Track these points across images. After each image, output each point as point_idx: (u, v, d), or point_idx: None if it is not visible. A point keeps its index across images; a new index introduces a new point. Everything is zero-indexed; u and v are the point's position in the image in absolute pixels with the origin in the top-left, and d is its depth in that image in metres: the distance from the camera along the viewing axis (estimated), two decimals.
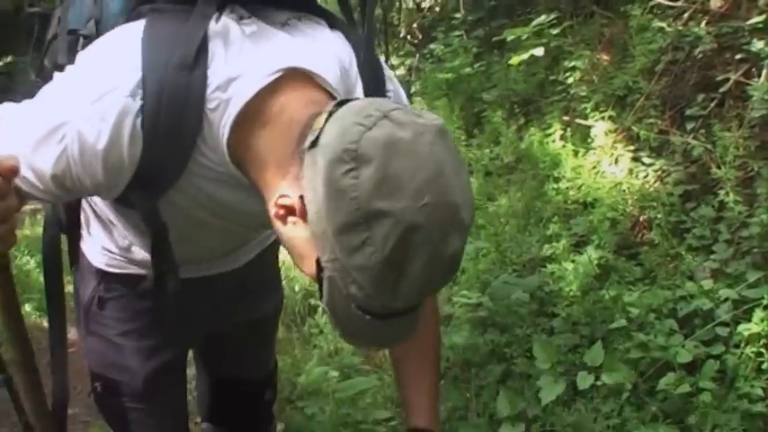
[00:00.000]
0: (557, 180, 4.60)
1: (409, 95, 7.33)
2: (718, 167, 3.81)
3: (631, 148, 4.44)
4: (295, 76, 1.65)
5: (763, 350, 3.08)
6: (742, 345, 3.12)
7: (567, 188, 4.50)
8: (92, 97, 1.60)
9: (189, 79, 1.63)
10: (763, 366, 3.05)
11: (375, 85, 1.87)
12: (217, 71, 1.65)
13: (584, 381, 3.25)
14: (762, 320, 3.09)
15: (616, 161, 4.48)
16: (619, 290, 3.60)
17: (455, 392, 3.66)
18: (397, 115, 1.45)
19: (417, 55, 7.69)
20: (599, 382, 3.21)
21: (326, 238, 1.43)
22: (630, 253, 4.03)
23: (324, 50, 1.78)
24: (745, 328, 3.12)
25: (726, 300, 3.30)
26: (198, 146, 1.67)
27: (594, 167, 4.56)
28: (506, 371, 3.52)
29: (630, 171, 4.34)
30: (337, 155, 1.41)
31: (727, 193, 3.71)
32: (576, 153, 4.71)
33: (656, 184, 4.16)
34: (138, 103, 1.61)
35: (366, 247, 1.40)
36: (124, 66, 1.63)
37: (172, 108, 1.63)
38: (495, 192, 5.04)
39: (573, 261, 3.95)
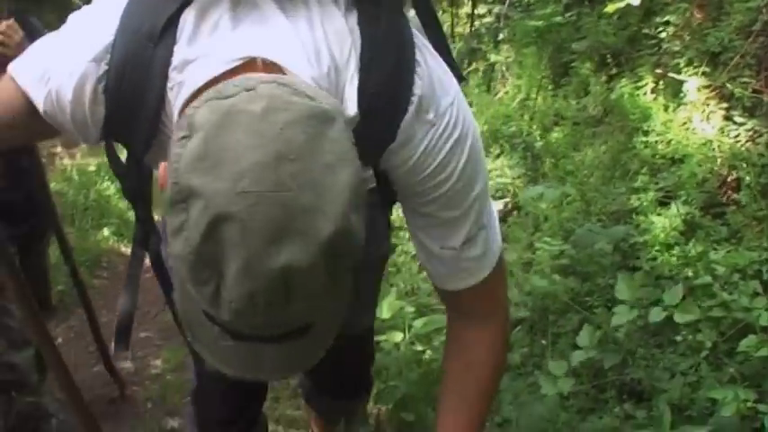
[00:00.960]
0: (645, 133, 4.56)
1: (496, 42, 7.33)
2: None
3: (724, 105, 4.38)
4: (256, 65, 1.43)
5: None
6: None
7: (656, 142, 4.46)
8: (69, 52, 1.59)
9: (153, 52, 1.54)
10: None
11: (390, 83, 1.57)
12: (181, 49, 1.53)
13: (657, 315, 3.15)
14: None
15: (708, 118, 4.43)
16: (704, 247, 3.57)
17: (531, 339, 3.67)
18: (265, 89, 1.23)
19: (506, 2, 7.64)
20: (678, 337, 3.19)
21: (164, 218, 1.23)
22: (717, 212, 3.99)
23: (311, 41, 1.53)
24: None
25: None
26: (163, 121, 1.57)
27: (685, 123, 4.51)
28: (584, 320, 3.49)
29: (722, 129, 4.29)
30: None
31: None
32: (666, 108, 4.66)
33: (748, 144, 4.11)
34: (103, 68, 1.56)
35: (183, 231, 1.17)
36: (102, 26, 1.58)
37: (134, 79, 1.55)
38: (580, 143, 5.01)
39: (659, 214, 3.92)
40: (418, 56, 1.60)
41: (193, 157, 1.17)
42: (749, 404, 2.80)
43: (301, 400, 4.20)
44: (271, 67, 1.42)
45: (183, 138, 1.19)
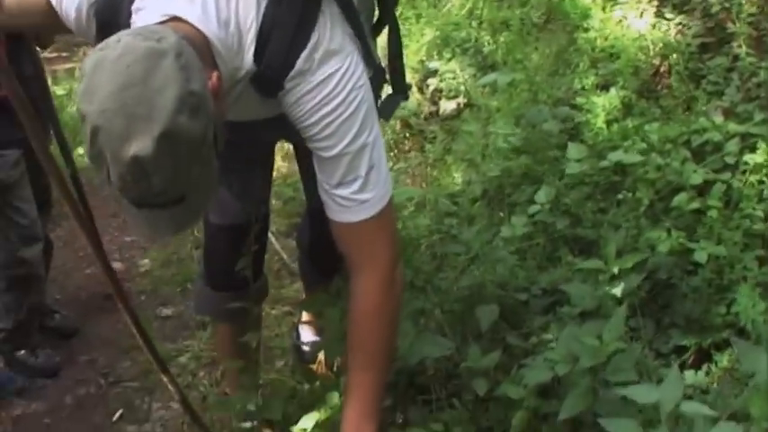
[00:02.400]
0: (586, 30, 4.94)
1: None
2: (733, 23, 4.18)
3: (655, 3, 4.78)
4: (179, 21, 2.04)
5: (765, 179, 3.44)
6: (747, 173, 3.47)
7: (596, 38, 4.84)
8: None
9: None
10: (765, 193, 3.42)
11: (281, 50, 2.20)
12: None
13: (608, 161, 3.68)
14: (765, 152, 3.44)
15: (641, 15, 4.83)
16: (640, 122, 3.98)
17: (490, 212, 4.05)
18: (126, 39, 1.86)
19: None
20: (620, 196, 3.60)
21: None
22: (651, 96, 4.41)
23: (225, 10, 2.13)
24: (751, 158, 3.47)
25: (734, 135, 3.65)
26: None
27: (620, 21, 4.90)
28: (538, 189, 3.85)
29: (654, 25, 4.69)
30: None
31: (739, 46, 4.09)
32: (604, 8, 5.05)
33: (678, 37, 4.53)
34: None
35: (85, 140, 1.84)
36: None
37: (112, 11, 2.21)
38: (527, 46, 5.36)
39: (599, 96, 4.32)
40: (316, 29, 2.22)
41: (81, 91, 1.84)
42: (681, 241, 3.24)
43: (283, 280, 4.63)
44: (187, 25, 2.04)
45: (81, 77, 1.87)
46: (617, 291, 2.91)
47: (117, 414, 4.13)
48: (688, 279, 3.29)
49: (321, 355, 3.63)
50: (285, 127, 2.39)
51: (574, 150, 3.71)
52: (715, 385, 2.99)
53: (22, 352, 4.42)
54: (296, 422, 3.15)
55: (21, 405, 4.27)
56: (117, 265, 5.13)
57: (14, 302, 4.26)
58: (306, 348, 3.87)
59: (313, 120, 2.27)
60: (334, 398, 3.27)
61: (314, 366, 3.70)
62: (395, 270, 2.48)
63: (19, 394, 4.33)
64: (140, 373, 4.34)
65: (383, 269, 2.44)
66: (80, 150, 6.76)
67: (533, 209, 3.68)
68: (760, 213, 3.38)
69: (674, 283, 3.31)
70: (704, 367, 3.08)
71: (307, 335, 3.92)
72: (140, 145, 1.78)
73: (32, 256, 4.17)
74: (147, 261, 5.37)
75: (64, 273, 5.22)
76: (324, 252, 3.10)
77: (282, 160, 5.64)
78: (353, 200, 2.36)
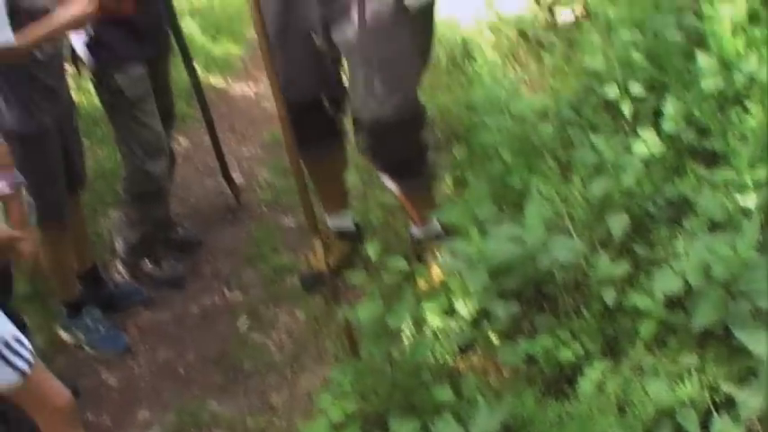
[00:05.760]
0: None
1: None
2: None
3: None
4: None
5: None
6: None
7: None
8: None
9: None
10: None
11: None
12: None
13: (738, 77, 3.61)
14: None
15: None
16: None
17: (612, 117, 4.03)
18: None
19: None
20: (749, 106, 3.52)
21: None
22: None
23: None
24: None
25: None
26: None
27: None
28: (662, 98, 3.76)
29: None
30: None
31: None
32: None
33: None
34: None
35: None
36: None
37: None
38: None
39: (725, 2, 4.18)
40: None
41: None
42: None
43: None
44: None
45: None
46: (750, 201, 2.87)
47: (245, 324, 4.25)
48: None
49: None
50: None
51: (704, 62, 3.60)
52: None
53: (147, 264, 4.55)
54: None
55: (147, 315, 4.44)
56: (236, 176, 5.22)
57: (140, 216, 4.38)
58: None
59: None
60: None
61: None
62: None
63: (145, 305, 4.47)
64: (264, 281, 4.44)
65: None
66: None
67: (667, 126, 3.59)
68: None
69: None
70: None
71: None
72: None
73: (158, 169, 4.26)
74: (265, 171, 5.43)
75: (183, 186, 5.32)
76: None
77: None
78: None
